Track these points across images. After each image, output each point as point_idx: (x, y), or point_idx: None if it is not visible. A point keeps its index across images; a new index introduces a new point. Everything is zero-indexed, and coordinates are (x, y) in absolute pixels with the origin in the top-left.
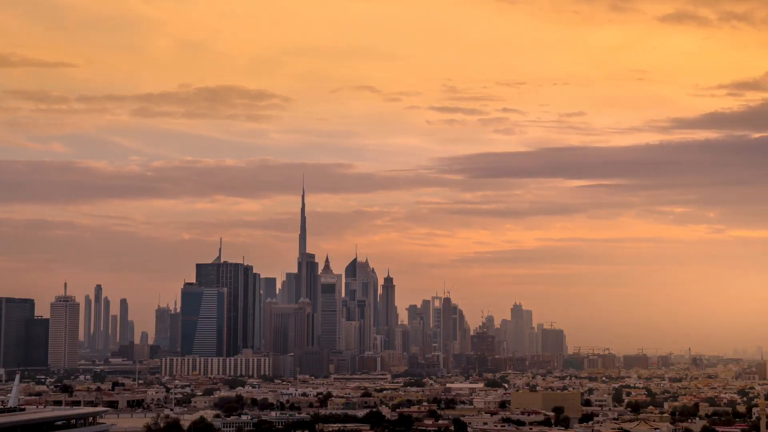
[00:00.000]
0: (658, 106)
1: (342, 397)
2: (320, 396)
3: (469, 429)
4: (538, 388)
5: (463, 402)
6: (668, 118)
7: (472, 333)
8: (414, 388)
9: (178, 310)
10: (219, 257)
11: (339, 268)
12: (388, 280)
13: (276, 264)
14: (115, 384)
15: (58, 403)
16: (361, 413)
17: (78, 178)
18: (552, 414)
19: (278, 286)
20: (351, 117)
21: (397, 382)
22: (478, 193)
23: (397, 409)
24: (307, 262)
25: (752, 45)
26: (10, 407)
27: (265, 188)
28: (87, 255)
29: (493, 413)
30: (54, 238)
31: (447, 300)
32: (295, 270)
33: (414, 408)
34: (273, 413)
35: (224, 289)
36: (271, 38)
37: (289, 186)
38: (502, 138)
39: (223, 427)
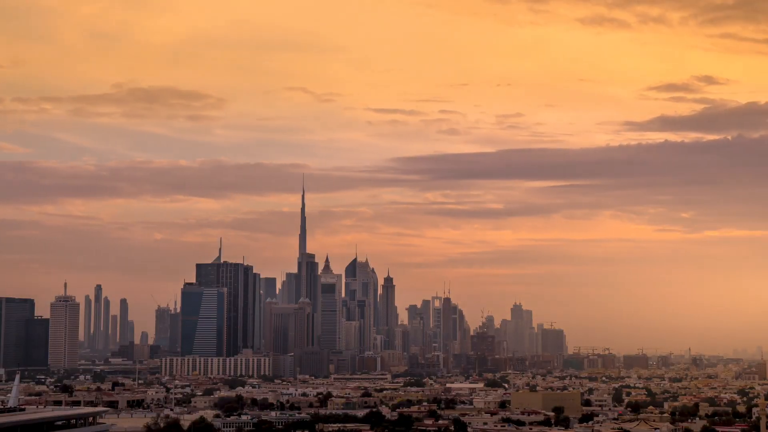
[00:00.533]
0: (605, 107)
1: (342, 397)
2: (320, 396)
3: (469, 429)
4: (538, 388)
5: (463, 402)
6: (620, 121)
7: (472, 333)
8: (414, 388)
9: (178, 310)
10: (219, 257)
11: (338, 268)
12: (388, 280)
13: (275, 264)
14: (115, 384)
15: (58, 403)
16: (361, 413)
17: (33, 178)
18: (552, 414)
19: (278, 286)
20: (292, 117)
21: (397, 382)
22: (437, 193)
23: (397, 409)
24: (307, 262)
25: (675, 47)
26: (10, 407)
27: (224, 188)
28: (59, 254)
29: (493, 413)
30: (22, 239)
31: (447, 300)
32: (295, 270)
33: (414, 408)
34: (273, 413)
35: (224, 289)
36: (188, 29)
37: (248, 186)
38: (450, 138)
39: (223, 427)
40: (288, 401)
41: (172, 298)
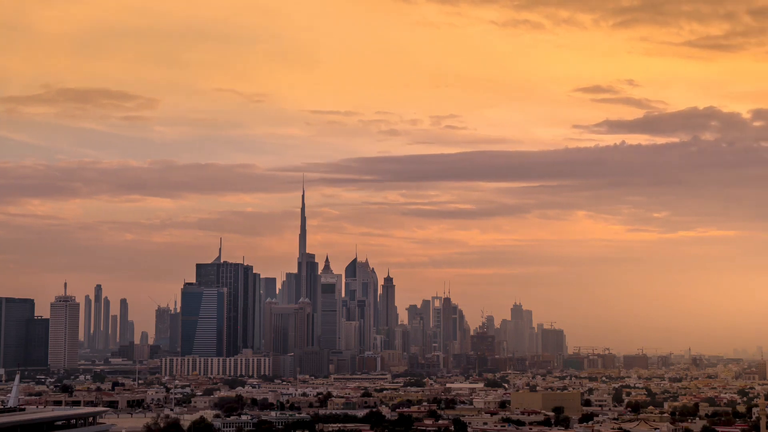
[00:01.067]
0: (542, 109)
1: (342, 397)
2: (320, 396)
3: (469, 429)
4: (538, 388)
5: (463, 402)
6: (564, 122)
7: (472, 333)
8: (414, 388)
9: (178, 310)
10: (219, 257)
11: (337, 268)
12: (388, 280)
13: (275, 264)
14: (115, 384)
15: (58, 403)
16: (361, 413)
17: None
18: (552, 414)
19: (278, 286)
20: (227, 116)
21: (397, 382)
22: (396, 193)
23: (397, 409)
24: (307, 262)
25: (593, 49)
26: (10, 407)
27: (178, 188)
28: (30, 255)
29: (493, 413)
30: None
31: (447, 300)
32: (295, 270)
33: (414, 408)
34: (273, 413)
35: (224, 289)
36: (88, 17)
37: (203, 186)
38: (394, 139)
39: (223, 427)
40: (288, 401)
41: (172, 299)
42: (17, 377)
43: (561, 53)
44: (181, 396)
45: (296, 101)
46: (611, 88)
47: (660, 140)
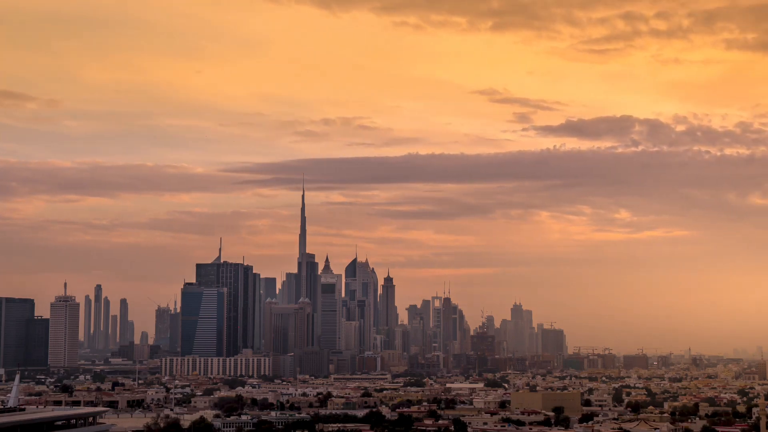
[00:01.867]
0: (461, 110)
1: (342, 397)
2: (320, 396)
3: (469, 429)
4: (538, 388)
5: (463, 402)
6: (496, 125)
7: (472, 333)
8: (414, 388)
9: (178, 310)
10: (219, 257)
11: (336, 268)
12: (388, 280)
13: (275, 264)
14: (115, 384)
15: (58, 403)
16: (361, 413)
17: None
18: (552, 414)
19: (278, 286)
20: (139, 112)
21: (397, 382)
22: (336, 194)
23: (397, 409)
24: (307, 262)
25: (480, 51)
26: (10, 407)
27: (113, 188)
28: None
29: (493, 413)
30: None
31: (447, 300)
32: (295, 270)
33: (414, 408)
34: (273, 413)
35: (224, 289)
36: None
37: (137, 186)
38: (313, 139)
39: (223, 427)
40: (288, 401)
41: (171, 299)
42: (17, 377)
43: (449, 55)
44: (181, 396)
45: (208, 97)
46: (507, 90)
47: (589, 144)
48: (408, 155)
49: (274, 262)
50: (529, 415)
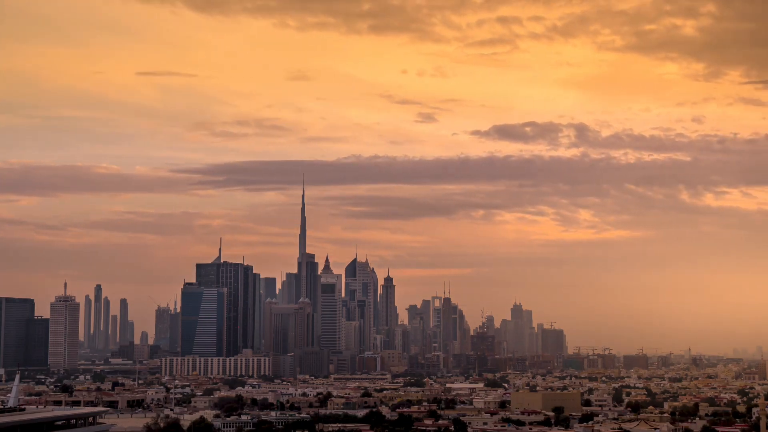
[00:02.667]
0: (378, 112)
1: (342, 397)
2: (320, 396)
3: (469, 429)
4: (538, 388)
5: (463, 402)
6: (410, 126)
7: (472, 333)
8: (414, 388)
9: (178, 310)
10: (219, 257)
11: (336, 268)
12: (388, 280)
13: (275, 264)
14: (115, 384)
15: (58, 403)
16: (361, 413)
17: None
18: (552, 414)
19: (278, 286)
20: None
21: (397, 382)
22: (270, 195)
23: (397, 409)
24: (307, 262)
25: (374, 54)
26: (10, 407)
27: (48, 188)
28: None
29: (493, 413)
30: None
31: (447, 300)
32: (295, 270)
33: (414, 408)
34: (273, 413)
35: (224, 289)
36: None
37: (72, 186)
38: (240, 139)
39: (223, 427)
40: (288, 401)
41: (171, 299)
42: (17, 377)
43: (343, 56)
44: (181, 396)
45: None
46: (405, 91)
47: (526, 146)
48: (352, 156)
49: (275, 262)
50: (529, 415)
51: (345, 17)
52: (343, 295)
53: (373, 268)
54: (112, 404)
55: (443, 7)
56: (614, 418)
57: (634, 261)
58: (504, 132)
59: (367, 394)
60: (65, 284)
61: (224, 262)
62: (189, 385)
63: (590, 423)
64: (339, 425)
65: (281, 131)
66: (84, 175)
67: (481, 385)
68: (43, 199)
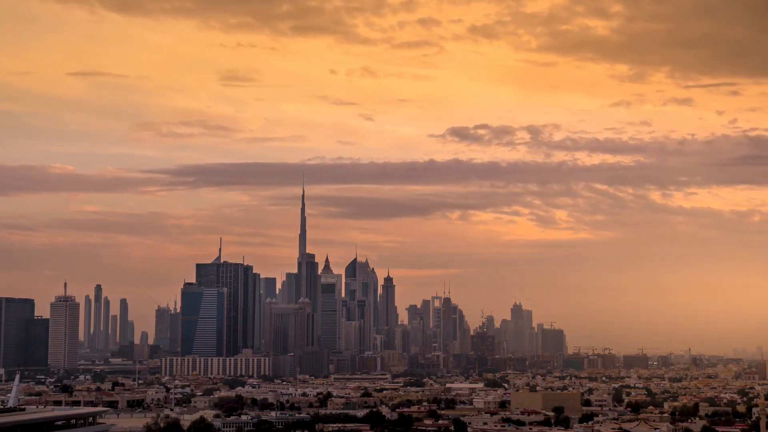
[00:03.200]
0: (322, 113)
1: (342, 397)
2: (320, 396)
3: (469, 429)
4: (538, 388)
5: (463, 402)
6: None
7: (472, 333)
8: (414, 388)
9: (178, 310)
10: (219, 257)
11: (336, 268)
12: (388, 280)
13: (274, 264)
14: (115, 384)
15: (58, 403)
16: (361, 413)
17: None
18: (552, 414)
19: (278, 286)
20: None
21: (397, 382)
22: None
23: (397, 409)
24: (307, 262)
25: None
26: (10, 407)
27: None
28: None
29: (493, 413)
30: None
31: (447, 300)
32: (295, 270)
33: (414, 408)
34: (273, 413)
35: (224, 289)
36: None
37: (30, 187)
38: (190, 141)
39: (223, 427)
40: (288, 401)
41: (171, 298)
42: (17, 377)
43: (276, 56)
44: (181, 396)
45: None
46: (340, 91)
47: (486, 148)
48: (316, 157)
49: (275, 262)
50: (529, 415)
51: (266, 18)
52: (343, 295)
53: (373, 268)
54: (112, 404)
55: (362, 9)
56: (614, 418)
57: (626, 261)
58: (460, 134)
59: (367, 394)
60: (65, 284)
61: (224, 262)
62: (189, 385)
63: (590, 423)
64: (339, 425)
65: (227, 131)
66: (40, 175)
67: (481, 385)
68: (6, 199)
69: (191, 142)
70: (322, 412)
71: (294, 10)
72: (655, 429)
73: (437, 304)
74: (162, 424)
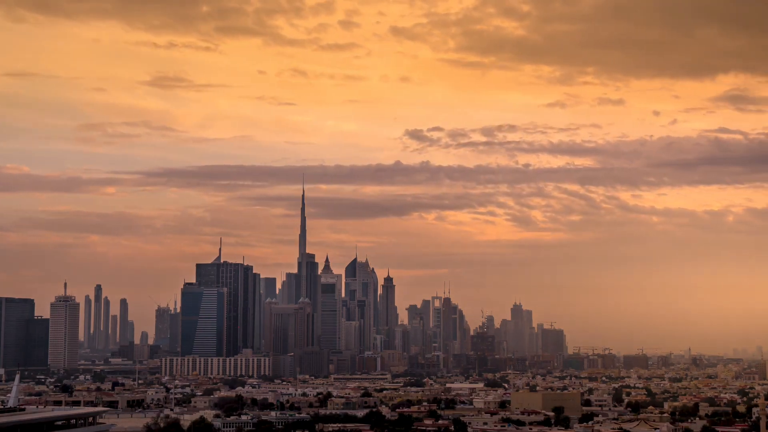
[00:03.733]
0: (250, 116)
1: (342, 397)
2: (320, 396)
3: (469, 429)
4: (538, 388)
5: (463, 402)
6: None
7: (472, 333)
8: (414, 388)
9: (178, 310)
10: (219, 257)
11: (337, 268)
12: (388, 280)
13: (274, 264)
14: (115, 384)
15: (58, 403)
16: (361, 413)
17: None
18: (552, 414)
19: (278, 286)
20: None
21: (397, 382)
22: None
23: (397, 409)
24: (307, 262)
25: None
26: (10, 407)
27: None
28: None
29: (493, 413)
30: None
31: (447, 300)
32: (295, 270)
33: (414, 408)
34: (273, 413)
35: (224, 289)
36: None
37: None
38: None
39: (223, 427)
40: (288, 401)
41: (171, 298)
42: (17, 377)
43: (198, 58)
44: (181, 396)
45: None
46: (291, 95)
47: (447, 151)
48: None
49: (275, 262)
50: (529, 415)
51: (188, 20)
52: (343, 295)
53: (373, 268)
54: (112, 404)
55: (284, 11)
56: (614, 418)
57: (609, 261)
58: (417, 137)
59: (367, 394)
60: (65, 284)
61: (224, 262)
62: (189, 385)
63: (590, 423)
64: (339, 425)
65: (172, 131)
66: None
67: (481, 385)
68: None
69: (139, 141)
70: (322, 412)
71: (213, 11)
72: (655, 429)
73: (437, 304)
74: (162, 424)
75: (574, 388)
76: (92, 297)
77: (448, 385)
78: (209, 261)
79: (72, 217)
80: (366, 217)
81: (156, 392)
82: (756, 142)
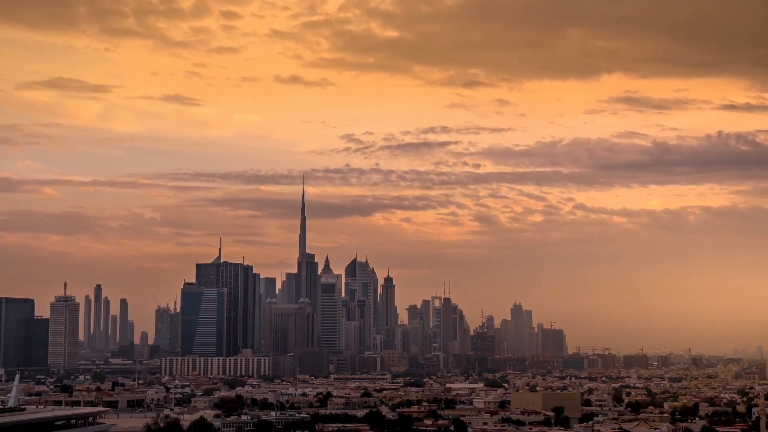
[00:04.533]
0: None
1: (342, 397)
2: (320, 396)
3: (469, 429)
4: (538, 388)
5: (463, 402)
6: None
7: (472, 333)
8: (414, 388)
9: (178, 310)
10: (219, 257)
11: (336, 268)
12: (388, 280)
13: (273, 264)
14: (115, 384)
15: (58, 403)
16: (361, 413)
17: None
18: (552, 414)
19: (278, 286)
20: None
21: (397, 382)
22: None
23: (397, 409)
24: (307, 262)
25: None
26: (10, 407)
27: None
28: None
29: (493, 413)
30: None
31: (447, 300)
32: (295, 270)
33: (414, 408)
34: (273, 413)
35: (224, 289)
36: None
37: None
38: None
39: (223, 427)
40: (288, 401)
41: (172, 298)
42: (17, 377)
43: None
44: (181, 396)
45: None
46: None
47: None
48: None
49: (274, 262)
50: (529, 415)
51: (68, 21)
52: (343, 295)
53: (373, 268)
54: (112, 404)
55: (157, 12)
56: (614, 418)
57: (595, 261)
58: (354, 141)
59: (367, 394)
60: (65, 284)
61: (224, 262)
62: (189, 385)
63: (590, 423)
64: (339, 425)
65: (115, 134)
66: None
67: (481, 385)
68: None
69: (62, 141)
70: (322, 412)
71: (90, 12)
72: (655, 429)
73: (437, 304)
74: (162, 424)
75: (574, 388)
76: (92, 297)
77: (448, 385)
78: (209, 261)
79: (24, 217)
80: (329, 217)
81: (156, 392)
82: (658, 145)
